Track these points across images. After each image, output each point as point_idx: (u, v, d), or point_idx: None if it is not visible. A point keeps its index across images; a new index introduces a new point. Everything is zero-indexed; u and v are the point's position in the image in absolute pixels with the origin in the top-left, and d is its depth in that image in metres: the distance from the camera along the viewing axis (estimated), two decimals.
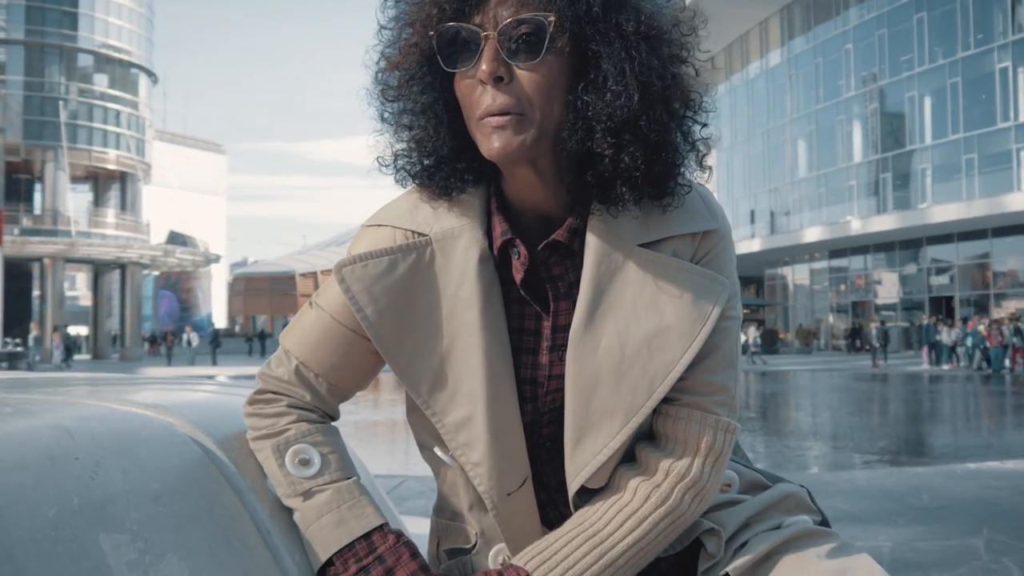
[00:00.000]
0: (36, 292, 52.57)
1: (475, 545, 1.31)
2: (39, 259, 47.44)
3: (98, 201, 55.35)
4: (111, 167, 53.57)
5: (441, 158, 1.25)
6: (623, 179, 1.18)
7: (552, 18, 1.13)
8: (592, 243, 1.23)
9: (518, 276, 1.25)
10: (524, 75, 1.15)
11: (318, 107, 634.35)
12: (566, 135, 1.18)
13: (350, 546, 1.20)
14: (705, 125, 1.24)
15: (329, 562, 1.20)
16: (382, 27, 1.27)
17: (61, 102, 50.71)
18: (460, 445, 1.23)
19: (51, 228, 48.81)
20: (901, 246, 39.29)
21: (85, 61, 53.11)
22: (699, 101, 1.22)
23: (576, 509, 1.24)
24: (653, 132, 1.16)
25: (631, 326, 1.20)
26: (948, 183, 35.60)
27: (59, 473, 1.05)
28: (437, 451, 1.30)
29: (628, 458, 1.26)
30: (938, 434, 12.65)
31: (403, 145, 1.27)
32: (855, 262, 42.92)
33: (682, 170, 1.23)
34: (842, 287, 44.28)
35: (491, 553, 1.29)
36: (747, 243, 45.05)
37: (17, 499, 0.99)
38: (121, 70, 54.84)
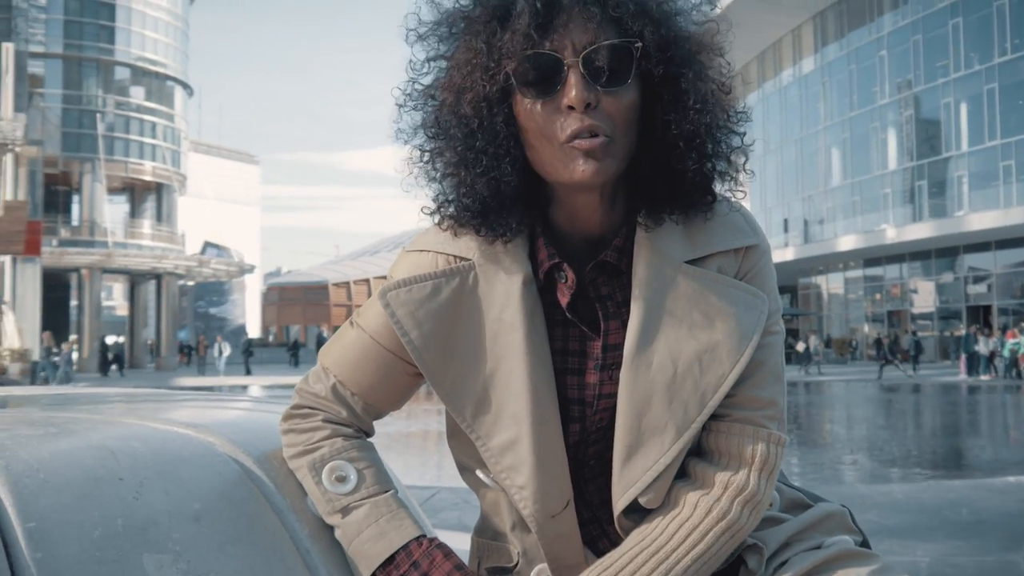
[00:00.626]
0: (74, 302, 53.23)
1: (517, 564, 1.32)
2: (77, 270, 48.05)
3: (134, 212, 55.99)
4: (147, 178, 54.18)
5: (503, 200, 1.22)
6: (700, 190, 1.23)
7: (639, 44, 1.16)
8: (640, 262, 1.24)
9: (564, 300, 1.27)
10: (609, 100, 1.16)
11: (350, 117, 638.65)
12: (643, 154, 1.21)
13: (391, 559, 1.21)
14: (744, 134, 1.28)
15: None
16: (427, 60, 1.25)
17: (98, 115, 51.39)
18: (504, 468, 1.24)
19: (88, 239, 49.44)
20: (937, 254, 38.83)
21: (122, 74, 53.81)
22: (737, 112, 1.27)
23: (621, 527, 1.24)
24: (722, 142, 1.23)
25: (682, 343, 1.22)
26: (985, 190, 35.16)
27: (103, 494, 1.06)
28: (479, 474, 1.31)
29: (678, 475, 1.26)
30: (976, 446, 12.48)
31: (455, 191, 1.25)
32: (890, 271, 42.48)
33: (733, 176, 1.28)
34: (877, 296, 43.84)
35: (533, 573, 1.30)
36: (780, 252, 44.72)
37: (63, 520, 1.01)
38: (157, 82, 55.51)
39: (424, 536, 1.25)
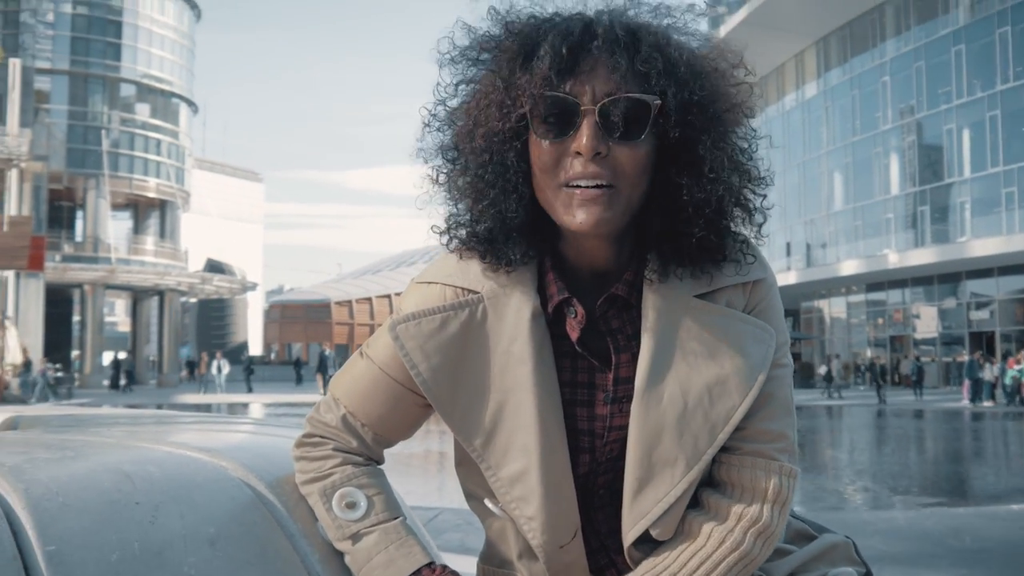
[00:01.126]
0: (76, 318, 53.26)
1: None
2: (79, 285, 48.11)
3: (138, 228, 56.10)
4: (151, 195, 54.33)
5: (510, 230, 1.24)
6: (702, 253, 1.24)
7: (658, 102, 1.16)
8: (650, 297, 1.26)
9: (574, 335, 1.27)
10: (620, 151, 1.16)
11: (355, 136, 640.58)
12: (652, 213, 1.22)
13: None
14: (765, 196, 1.29)
15: None
16: (453, 84, 1.27)
17: (103, 131, 51.60)
18: (514, 499, 1.25)
19: (92, 255, 49.51)
20: (940, 280, 38.81)
21: (127, 91, 54.06)
22: (759, 173, 1.28)
23: (631, 559, 1.25)
24: (732, 212, 1.24)
25: (692, 376, 1.23)
26: (988, 216, 35.17)
27: (120, 517, 1.08)
28: (487, 503, 1.32)
29: (691, 505, 1.27)
30: (980, 474, 12.44)
31: (467, 215, 1.27)
32: (893, 296, 42.44)
33: (744, 238, 1.30)
34: (879, 321, 43.78)
35: None
36: (783, 275, 44.70)
37: (82, 544, 1.03)
38: (162, 100, 55.76)
39: (434, 563, 1.26)
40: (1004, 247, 32.88)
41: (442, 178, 1.29)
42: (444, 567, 1.25)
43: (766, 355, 1.26)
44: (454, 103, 1.28)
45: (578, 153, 1.16)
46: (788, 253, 47.32)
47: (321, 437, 1.36)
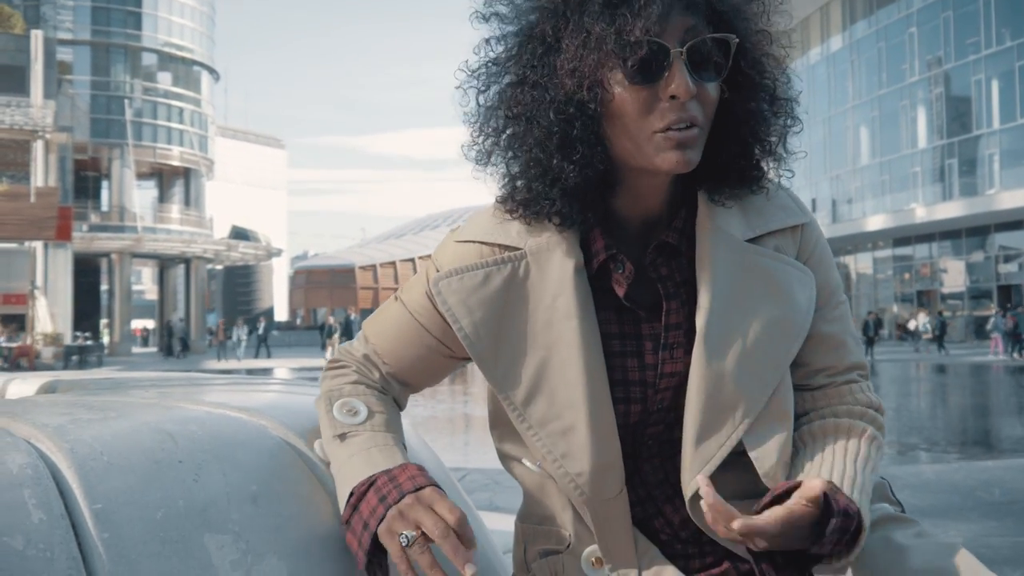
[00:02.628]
0: (104, 287, 53.81)
1: (569, 545, 1.32)
2: (107, 255, 48.54)
3: (163, 197, 56.43)
4: (175, 163, 54.57)
5: (588, 185, 1.21)
6: (749, 176, 1.29)
7: (736, 40, 1.19)
8: (703, 242, 1.27)
9: (621, 290, 1.27)
10: (704, 92, 1.18)
11: (377, 101, 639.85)
12: (716, 143, 1.24)
13: (372, 479, 1.19)
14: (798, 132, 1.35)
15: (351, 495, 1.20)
16: (506, 36, 1.24)
17: (126, 100, 51.77)
18: (559, 456, 1.24)
19: (118, 224, 49.90)
20: (968, 233, 38.44)
21: (149, 60, 54.14)
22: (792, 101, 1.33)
23: (692, 509, 1.25)
24: (778, 127, 1.29)
25: (749, 320, 1.25)
26: (1017, 168, 34.72)
27: (164, 476, 1.09)
28: (526, 462, 1.33)
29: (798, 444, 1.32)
30: (1008, 426, 12.39)
31: (529, 172, 1.23)
32: (920, 250, 42.11)
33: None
34: (906, 276, 43.49)
35: (584, 553, 1.30)
36: None
37: (127, 501, 1.04)
38: (184, 68, 55.80)
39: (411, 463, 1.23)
40: None
41: (494, 140, 1.25)
42: (421, 468, 1.22)
43: (810, 299, 1.29)
44: (501, 56, 1.24)
45: (672, 97, 1.15)
46: (814, 209, 46.90)
47: (346, 364, 1.40)
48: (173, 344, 41.64)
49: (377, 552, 1.15)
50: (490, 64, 1.25)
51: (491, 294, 1.27)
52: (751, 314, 1.25)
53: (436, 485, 1.18)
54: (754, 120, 1.25)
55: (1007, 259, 37.33)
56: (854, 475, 1.21)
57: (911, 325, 34.23)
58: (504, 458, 1.39)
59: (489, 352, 1.27)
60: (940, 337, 31.34)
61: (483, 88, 1.26)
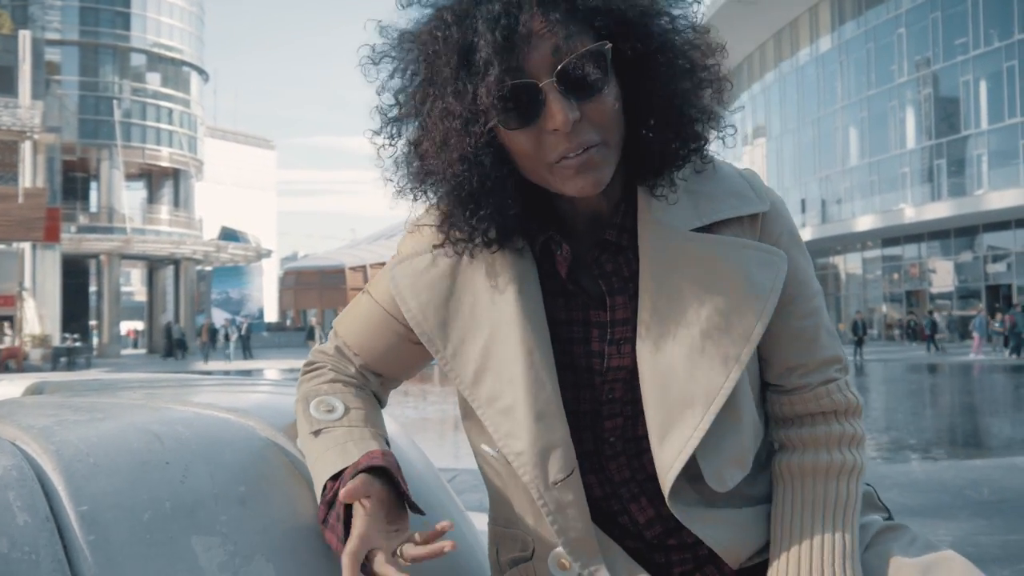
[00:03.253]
0: (93, 288, 53.63)
1: (533, 552, 1.30)
2: (95, 256, 48.35)
3: (152, 198, 56.27)
4: (164, 164, 54.44)
5: (510, 224, 1.22)
6: (669, 159, 1.21)
7: (609, 45, 1.12)
8: (645, 235, 1.24)
9: (563, 270, 1.26)
10: (592, 108, 1.12)
11: (369, 101, 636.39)
12: (630, 139, 1.20)
13: (343, 472, 1.19)
14: (724, 104, 1.25)
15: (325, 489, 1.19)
16: (398, 92, 1.21)
17: (115, 101, 51.62)
18: (503, 436, 1.23)
19: (107, 225, 49.75)
20: (956, 234, 38.58)
21: (138, 60, 53.99)
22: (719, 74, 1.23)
23: (673, 507, 1.23)
24: (691, 107, 1.19)
25: (695, 311, 1.21)
26: (1005, 168, 34.87)
27: (151, 477, 1.09)
28: (485, 447, 1.32)
29: (778, 449, 1.33)
30: (996, 425, 12.44)
31: (458, 218, 1.22)
32: (909, 250, 42.25)
33: (706, 140, 1.24)
34: (895, 276, 43.63)
35: (550, 557, 1.27)
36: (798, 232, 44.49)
37: (114, 504, 1.04)
38: (173, 68, 55.67)
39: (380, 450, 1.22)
40: (1022, 199, 32.63)
41: (419, 193, 1.25)
42: (386, 451, 1.21)
43: (775, 278, 1.23)
44: (394, 114, 1.23)
45: (556, 130, 1.11)
46: (803, 210, 47.08)
47: (320, 364, 1.39)
48: (173, 346, 41.40)
49: None
50: (392, 111, 1.23)
51: (438, 276, 1.28)
52: (697, 305, 1.21)
53: (387, 459, 1.17)
54: (677, 100, 1.18)
55: (995, 259, 37.48)
56: (842, 545, 1.22)
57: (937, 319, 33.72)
58: (474, 451, 1.38)
59: (436, 333, 1.27)
60: (932, 336, 31.47)
61: (393, 136, 1.23)
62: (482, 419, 1.26)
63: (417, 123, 1.20)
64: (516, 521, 1.32)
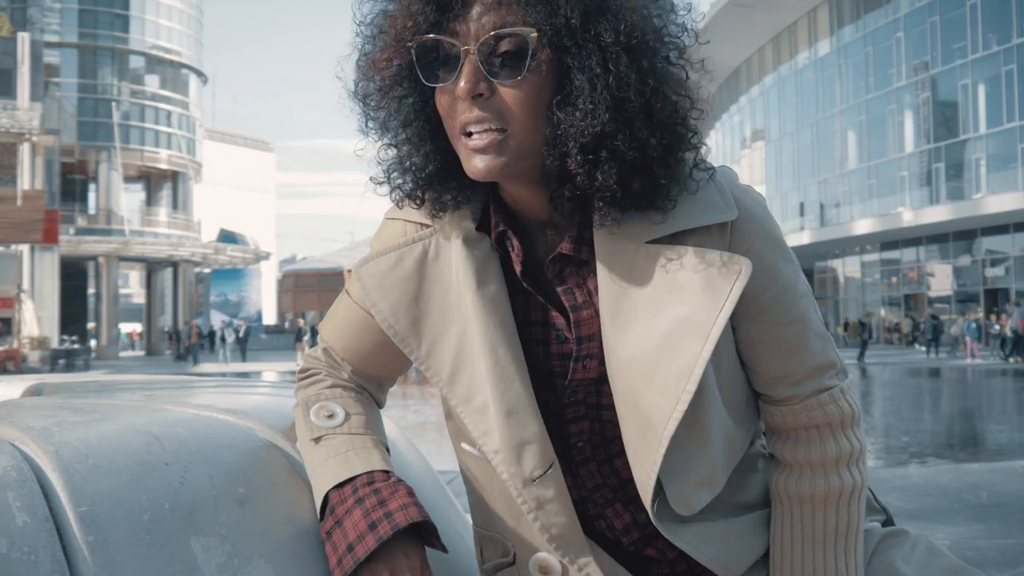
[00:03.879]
0: (91, 290, 53.59)
1: (514, 557, 1.29)
2: (94, 258, 48.35)
3: (150, 200, 56.31)
4: (163, 166, 54.47)
5: (430, 176, 1.22)
6: (599, 196, 1.13)
7: (534, 33, 1.09)
8: (600, 251, 1.19)
9: (517, 267, 1.24)
10: (506, 91, 1.11)
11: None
12: (545, 151, 1.13)
13: (351, 480, 1.19)
14: (695, 133, 1.17)
15: (327, 497, 1.19)
16: (359, 23, 1.23)
17: (114, 103, 51.66)
18: (481, 434, 1.22)
19: (105, 227, 49.76)
20: (955, 237, 38.57)
21: (137, 63, 54.05)
22: (686, 110, 1.15)
23: (660, 525, 1.20)
24: (631, 150, 1.10)
25: (648, 328, 1.16)
26: (1003, 172, 34.85)
27: (150, 479, 1.09)
28: (465, 445, 1.31)
29: (776, 468, 1.30)
30: (994, 429, 12.44)
31: (390, 161, 1.25)
32: (907, 254, 42.24)
33: (667, 182, 1.15)
34: (894, 279, 43.62)
35: (530, 562, 1.26)
36: (796, 236, 44.54)
37: (113, 504, 1.04)
38: (172, 71, 55.72)
39: (392, 473, 1.21)
40: (1020, 203, 32.61)
41: (371, 126, 1.25)
42: (399, 479, 1.20)
43: (732, 285, 1.14)
44: (365, 58, 1.23)
45: (460, 97, 1.12)
46: (801, 213, 47.07)
47: (315, 370, 1.39)
48: (181, 348, 41.07)
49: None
50: (359, 58, 1.24)
51: (404, 275, 1.26)
52: (650, 322, 1.16)
53: (425, 515, 1.15)
54: (583, 128, 1.10)
55: (994, 263, 37.47)
56: (845, 572, 1.22)
57: (953, 331, 33.36)
58: (456, 453, 1.38)
59: (409, 333, 1.25)
60: (934, 340, 31.49)
61: (359, 92, 1.24)
62: (461, 417, 1.24)
63: (365, 58, 1.22)
64: (495, 524, 1.31)
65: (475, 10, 1.10)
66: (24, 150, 33.89)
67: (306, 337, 33.35)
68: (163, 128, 54.33)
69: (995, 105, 35.20)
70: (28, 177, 33.98)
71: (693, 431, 1.18)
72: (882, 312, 43.92)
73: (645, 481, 1.17)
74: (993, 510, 5.66)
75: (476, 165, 1.13)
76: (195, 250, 52.82)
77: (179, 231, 54.35)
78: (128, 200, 54.56)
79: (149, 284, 55.63)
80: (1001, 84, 34.79)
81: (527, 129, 1.12)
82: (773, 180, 48.90)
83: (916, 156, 39.41)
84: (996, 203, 33.75)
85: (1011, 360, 27.44)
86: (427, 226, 1.28)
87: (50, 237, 32.34)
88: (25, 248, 34.46)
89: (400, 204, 1.27)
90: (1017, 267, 35.94)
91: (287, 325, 67.60)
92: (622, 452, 1.23)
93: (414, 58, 1.14)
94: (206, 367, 32.51)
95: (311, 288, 66.97)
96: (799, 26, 47.18)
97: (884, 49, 41.02)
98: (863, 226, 41.15)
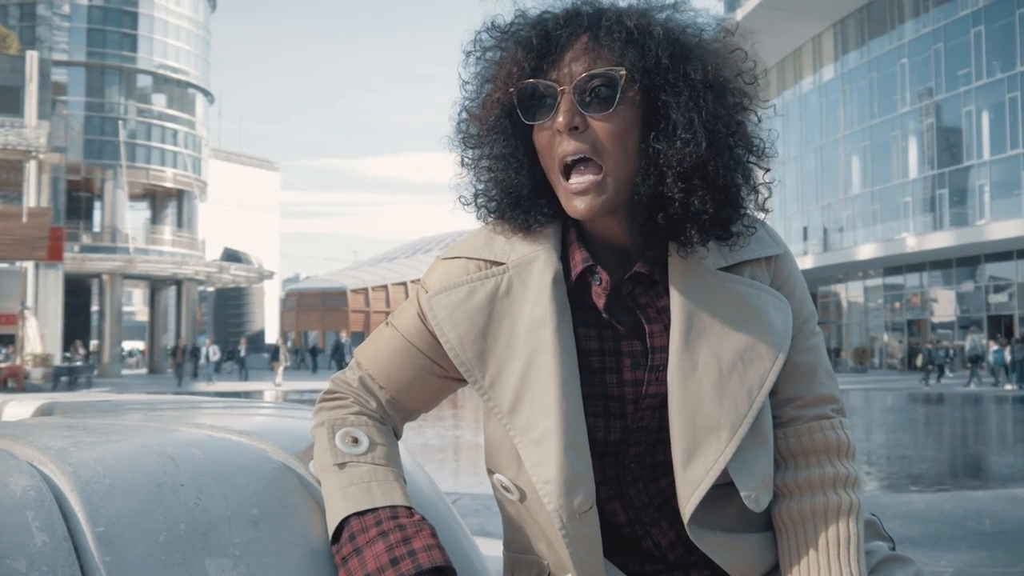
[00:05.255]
0: (95, 307, 53.68)
1: (548, 575, 1.33)
2: (98, 275, 48.43)
3: (155, 218, 56.43)
4: (168, 185, 54.64)
5: (520, 197, 1.33)
6: (692, 222, 1.26)
7: (623, 72, 1.22)
8: (675, 272, 1.31)
9: (600, 301, 1.32)
10: (598, 125, 1.23)
11: (373, 124, 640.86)
12: (639, 180, 1.25)
13: (373, 510, 1.21)
14: (768, 170, 1.33)
15: (345, 522, 1.21)
16: (465, 82, 1.36)
17: (120, 122, 51.87)
18: (535, 464, 1.26)
19: (110, 245, 49.82)
20: (958, 263, 38.59)
21: (144, 81, 54.32)
22: (762, 147, 1.31)
23: (693, 534, 1.28)
24: (720, 177, 1.24)
25: (723, 343, 1.28)
26: (1007, 199, 34.93)
27: (166, 499, 1.10)
28: (497, 477, 1.35)
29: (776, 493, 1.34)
30: (998, 456, 12.40)
31: (483, 186, 1.36)
32: (910, 279, 42.25)
33: (745, 212, 1.32)
34: (897, 305, 43.60)
35: None
36: (800, 260, 44.52)
37: (130, 525, 1.05)
38: (179, 90, 55.99)
39: (414, 509, 1.25)
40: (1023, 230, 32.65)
41: (467, 160, 1.37)
42: (422, 517, 1.24)
43: (786, 323, 1.33)
44: (474, 102, 1.35)
45: (559, 132, 1.24)
46: (805, 237, 47.14)
47: (342, 394, 1.41)
48: (197, 367, 40.60)
49: None
50: (464, 102, 1.37)
51: (476, 307, 1.32)
52: (725, 338, 1.29)
53: (448, 560, 1.19)
54: (666, 162, 1.24)
55: (997, 289, 37.48)
56: None
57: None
58: (492, 480, 1.40)
59: (475, 363, 1.30)
60: (942, 368, 31.43)
61: (461, 107, 1.37)
62: (517, 447, 1.28)
63: (475, 90, 1.35)
64: (531, 548, 1.35)
65: (569, 55, 1.24)
66: (30, 167, 34.06)
67: (281, 356, 32.89)
68: (169, 147, 54.53)
69: (999, 132, 35.31)
70: (34, 194, 34.13)
71: (757, 435, 1.29)
72: (885, 337, 43.87)
73: (694, 484, 1.25)
74: (997, 537, 5.64)
75: (577, 206, 1.24)
76: (199, 268, 52.88)
77: (183, 249, 54.43)
78: (133, 218, 54.73)
79: (152, 302, 55.69)
80: (1005, 111, 34.92)
81: (620, 162, 1.24)
82: (777, 204, 48.93)
83: (920, 182, 39.49)
84: (999, 230, 33.79)
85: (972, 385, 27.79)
86: (496, 263, 1.34)
87: (54, 254, 32.43)
88: (29, 265, 34.55)
89: (486, 220, 1.39)
90: (1020, 294, 35.92)
91: (289, 344, 67.66)
92: (666, 475, 1.32)
93: (515, 100, 1.27)
94: (200, 386, 32.07)
95: (314, 307, 66.99)
96: (804, 51, 47.42)
97: (888, 75, 41.20)
98: (866, 251, 41.19)
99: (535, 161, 1.31)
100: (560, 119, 1.22)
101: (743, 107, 1.29)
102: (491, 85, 1.31)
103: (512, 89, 1.26)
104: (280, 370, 32.63)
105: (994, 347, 30.52)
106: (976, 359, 30.14)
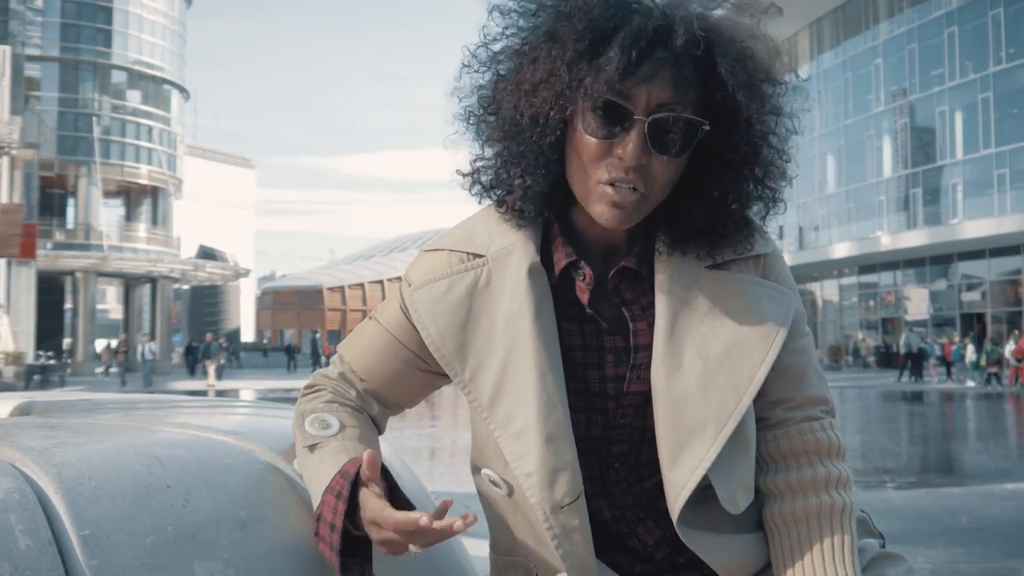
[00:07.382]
0: (68, 305, 53.16)
1: None
2: (71, 273, 47.95)
3: (130, 216, 55.98)
4: (143, 182, 54.20)
5: (529, 195, 1.28)
6: (688, 226, 1.28)
7: (707, 127, 1.19)
8: (662, 268, 1.30)
9: (584, 297, 1.30)
10: (658, 164, 1.19)
11: (351, 122, 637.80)
12: (686, 209, 1.26)
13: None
14: (785, 187, 1.34)
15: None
16: (507, 29, 1.26)
17: (94, 118, 51.39)
18: (516, 457, 1.25)
19: (83, 242, 49.36)
20: (932, 262, 38.91)
21: (118, 77, 53.84)
22: (786, 160, 1.32)
23: (683, 534, 1.26)
24: (743, 205, 1.28)
25: (709, 341, 1.26)
26: (979, 198, 35.26)
27: (152, 501, 1.08)
28: (485, 472, 1.33)
29: (767, 496, 1.33)
30: (973, 453, 12.51)
31: (491, 163, 1.30)
32: (884, 278, 42.57)
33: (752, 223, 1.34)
34: (871, 303, 43.93)
35: None
36: None
37: (116, 528, 1.03)
38: (154, 86, 55.54)
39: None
40: (996, 228, 32.98)
41: (473, 120, 1.30)
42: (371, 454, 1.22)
43: (786, 314, 1.30)
44: (497, 47, 1.27)
45: (621, 158, 1.18)
46: (780, 236, 47.34)
47: (321, 387, 1.40)
48: (193, 362, 39.79)
49: (350, 548, 1.15)
50: (478, 51, 1.28)
51: (456, 300, 1.30)
52: (711, 336, 1.26)
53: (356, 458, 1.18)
54: (730, 185, 1.26)
55: (969, 287, 37.82)
56: None
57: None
58: (476, 479, 1.39)
59: (455, 356, 1.29)
60: (916, 365, 31.69)
61: (474, 69, 1.28)
62: (497, 440, 1.27)
63: (515, 62, 1.25)
64: (518, 548, 1.33)
65: (658, 81, 1.16)
66: (3, 163, 33.67)
67: (212, 355, 32.05)
68: (144, 143, 54.08)
69: (971, 132, 35.64)
70: (6, 191, 33.74)
71: (740, 437, 1.27)
72: (859, 335, 44.18)
73: (681, 482, 1.23)
74: (974, 534, 5.69)
75: (606, 215, 1.20)
76: (174, 266, 52.51)
77: (158, 247, 54.01)
78: (107, 215, 54.29)
79: (127, 300, 55.21)
80: (978, 111, 35.24)
81: (661, 195, 1.23)
82: None
83: (894, 181, 39.80)
84: (972, 228, 34.11)
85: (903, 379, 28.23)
86: (477, 256, 1.32)
87: (27, 251, 32.07)
88: (2, 262, 34.16)
89: (481, 199, 1.34)
90: (992, 292, 36.28)
91: (265, 342, 67.25)
92: (651, 475, 1.30)
93: (583, 107, 1.18)
94: (175, 387, 31.63)
95: (290, 306, 66.73)
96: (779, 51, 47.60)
97: (863, 75, 41.48)
98: (841, 250, 41.46)
99: (562, 157, 1.26)
100: (630, 152, 1.16)
101: (782, 124, 1.29)
102: (550, 77, 1.19)
103: (583, 96, 1.17)
104: (212, 369, 31.78)
105: (952, 346, 30.91)
106: (911, 356, 30.50)
